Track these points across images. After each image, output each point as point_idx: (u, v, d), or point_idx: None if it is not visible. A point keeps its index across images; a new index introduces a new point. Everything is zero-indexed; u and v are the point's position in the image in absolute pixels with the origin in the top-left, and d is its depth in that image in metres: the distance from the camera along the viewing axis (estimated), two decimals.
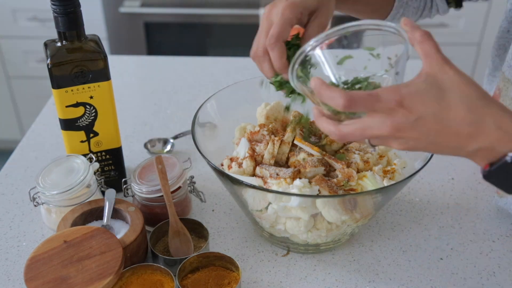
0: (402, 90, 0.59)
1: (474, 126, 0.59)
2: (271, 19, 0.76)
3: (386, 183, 0.83)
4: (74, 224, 0.87)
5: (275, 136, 0.88)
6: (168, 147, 1.15)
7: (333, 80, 0.69)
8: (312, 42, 0.69)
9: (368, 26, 0.68)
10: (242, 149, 0.89)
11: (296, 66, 0.70)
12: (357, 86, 0.68)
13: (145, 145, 1.16)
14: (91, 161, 0.94)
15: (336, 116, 0.65)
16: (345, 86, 0.68)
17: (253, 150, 0.88)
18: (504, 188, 0.64)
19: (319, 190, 0.80)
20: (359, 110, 0.60)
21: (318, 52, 0.70)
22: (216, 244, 0.93)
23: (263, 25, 0.77)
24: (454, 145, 0.60)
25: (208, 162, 0.81)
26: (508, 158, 0.59)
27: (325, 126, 0.64)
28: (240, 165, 0.86)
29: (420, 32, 0.63)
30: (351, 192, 0.82)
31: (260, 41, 0.76)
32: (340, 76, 0.69)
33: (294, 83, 0.71)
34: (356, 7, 0.94)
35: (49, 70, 0.88)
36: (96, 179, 0.95)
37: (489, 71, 1.05)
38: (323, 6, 0.78)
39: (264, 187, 0.82)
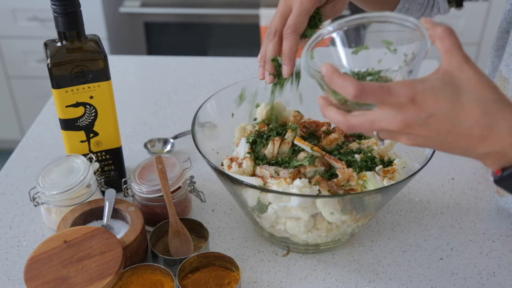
0: (416, 86, 0.57)
1: (486, 129, 0.57)
2: (289, 3, 0.77)
3: (386, 183, 0.83)
4: (74, 224, 0.87)
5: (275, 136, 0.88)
6: (168, 147, 1.15)
7: (345, 69, 0.67)
8: (330, 28, 0.66)
9: (390, 18, 0.65)
10: (242, 149, 0.89)
11: (310, 50, 0.68)
12: (368, 78, 0.66)
13: (145, 145, 1.16)
14: (91, 161, 0.94)
15: (344, 106, 0.63)
16: (356, 77, 0.66)
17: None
18: None
19: (319, 190, 0.80)
20: (369, 102, 0.59)
21: (334, 38, 0.68)
22: (216, 244, 0.93)
23: (279, 7, 0.78)
24: (464, 146, 0.59)
25: (208, 162, 0.81)
26: None
27: (333, 115, 0.63)
28: (240, 165, 0.86)
29: (442, 27, 0.60)
30: (351, 192, 0.82)
31: (273, 23, 0.78)
32: (352, 66, 0.67)
33: (307, 66, 0.68)
34: None
35: (49, 70, 0.88)
36: (96, 179, 0.95)
37: (489, 72, 1.05)
38: None
39: (264, 187, 0.82)
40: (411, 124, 0.58)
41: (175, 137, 1.18)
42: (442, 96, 0.57)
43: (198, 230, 0.91)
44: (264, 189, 0.80)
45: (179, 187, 0.94)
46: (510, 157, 0.58)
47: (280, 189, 0.79)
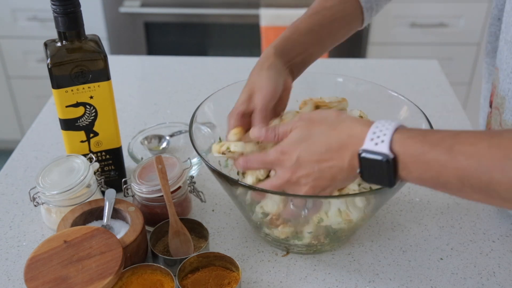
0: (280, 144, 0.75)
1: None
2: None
3: None
4: (74, 224, 0.87)
5: None
6: (164, 144, 1.15)
7: None
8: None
9: None
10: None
11: None
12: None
13: (141, 142, 1.15)
14: (91, 161, 0.94)
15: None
16: None
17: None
18: (382, 183, 0.68)
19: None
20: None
21: None
22: (216, 244, 0.93)
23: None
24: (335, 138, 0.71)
25: (206, 163, 0.81)
26: (360, 151, 0.66)
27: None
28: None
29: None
30: (350, 193, 0.81)
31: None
32: None
33: None
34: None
35: (49, 70, 0.88)
36: (96, 179, 0.95)
37: (486, 54, 1.06)
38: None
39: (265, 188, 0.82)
40: (283, 150, 0.73)
41: (171, 135, 1.17)
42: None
43: (198, 230, 0.91)
44: (263, 189, 0.80)
45: (179, 187, 0.94)
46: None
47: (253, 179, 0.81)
